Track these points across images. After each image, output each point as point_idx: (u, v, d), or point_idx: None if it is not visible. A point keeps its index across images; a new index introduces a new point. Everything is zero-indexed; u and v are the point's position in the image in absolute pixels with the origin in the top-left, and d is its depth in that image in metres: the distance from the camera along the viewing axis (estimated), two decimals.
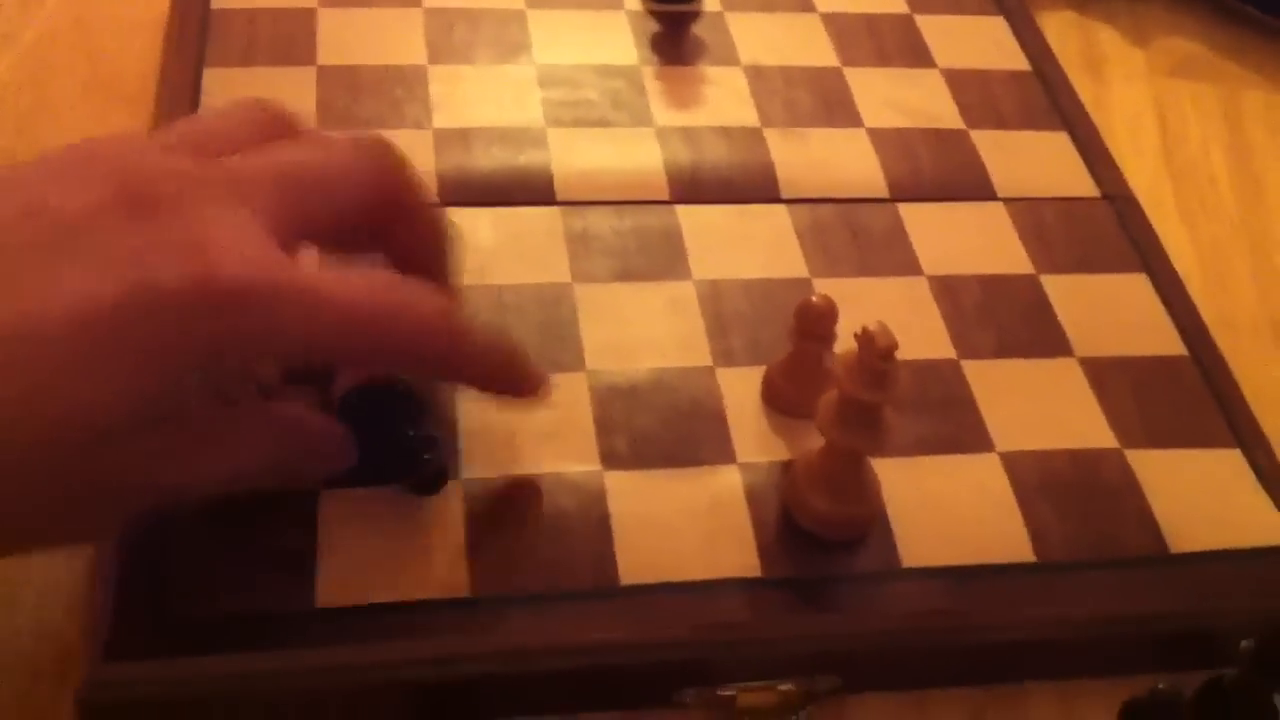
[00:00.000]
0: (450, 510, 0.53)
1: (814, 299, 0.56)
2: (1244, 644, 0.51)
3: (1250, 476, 0.59)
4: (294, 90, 0.69)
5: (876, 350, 0.48)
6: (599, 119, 0.70)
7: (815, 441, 0.54)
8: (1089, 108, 0.79)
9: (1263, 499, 0.58)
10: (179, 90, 0.68)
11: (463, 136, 0.68)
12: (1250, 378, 0.67)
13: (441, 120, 0.69)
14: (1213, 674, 0.54)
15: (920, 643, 0.53)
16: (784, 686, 0.52)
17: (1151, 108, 0.83)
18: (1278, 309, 0.72)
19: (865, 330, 0.49)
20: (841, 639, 0.52)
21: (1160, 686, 0.46)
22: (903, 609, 0.53)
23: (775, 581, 0.53)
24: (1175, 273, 0.68)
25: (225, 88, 0.69)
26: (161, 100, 0.68)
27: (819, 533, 0.54)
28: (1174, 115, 0.83)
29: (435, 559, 0.52)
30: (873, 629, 0.52)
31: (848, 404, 0.50)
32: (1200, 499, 0.57)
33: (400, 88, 0.70)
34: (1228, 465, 0.59)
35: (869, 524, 0.54)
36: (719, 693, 0.51)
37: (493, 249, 0.63)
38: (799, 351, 0.57)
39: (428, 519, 0.53)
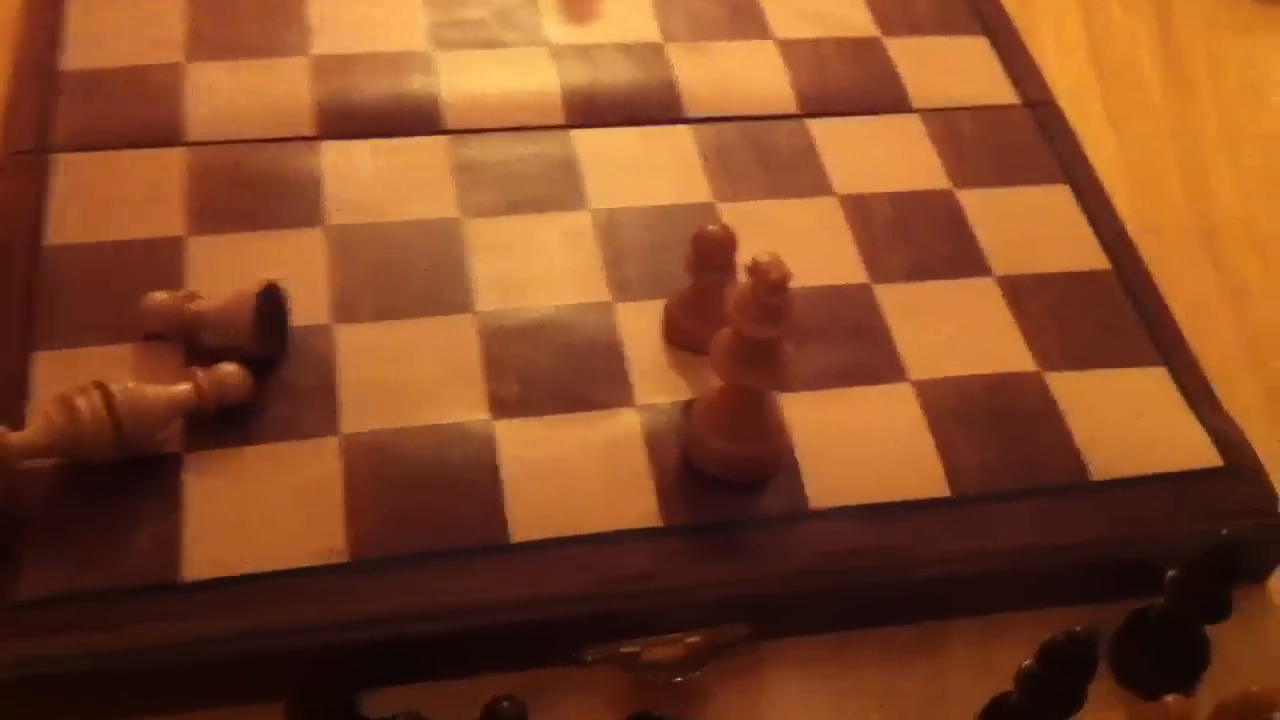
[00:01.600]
0: (327, 469, 0.50)
1: (710, 228, 0.53)
2: (1169, 574, 0.49)
3: (1175, 395, 0.56)
4: (162, 19, 0.64)
5: (768, 284, 0.45)
6: (489, 39, 0.66)
7: (716, 379, 0.51)
8: (1014, 8, 0.75)
9: (1188, 417, 0.55)
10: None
11: (343, 63, 0.64)
12: (1178, 286, 0.64)
13: (321, 47, 0.65)
14: (1139, 604, 0.52)
15: (831, 585, 0.50)
16: (691, 638, 0.49)
17: (1078, 5, 0.79)
18: (1206, 211, 0.69)
19: (756, 262, 0.45)
20: (748, 586, 0.50)
21: (1077, 628, 0.44)
22: (812, 551, 0.50)
23: (677, 529, 0.50)
24: (1099, 182, 0.65)
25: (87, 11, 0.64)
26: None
27: (721, 475, 0.51)
28: (1101, 12, 0.79)
29: (311, 522, 0.48)
30: (781, 574, 0.50)
31: (741, 341, 0.47)
32: (1123, 421, 0.55)
33: (278, 14, 0.66)
34: (1152, 384, 0.56)
35: (773, 464, 0.51)
36: (622, 649, 0.49)
37: (375, 184, 0.59)
38: (698, 284, 0.54)
39: (302, 479, 0.50)
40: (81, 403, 0.48)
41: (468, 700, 0.47)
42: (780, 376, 0.48)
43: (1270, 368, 0.62)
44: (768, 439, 0.51)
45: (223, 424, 0.51)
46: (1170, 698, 0.44)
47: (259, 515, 0.48)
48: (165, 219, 0.57)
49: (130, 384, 0.49)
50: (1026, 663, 0.46)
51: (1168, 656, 0.51)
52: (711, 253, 0.52)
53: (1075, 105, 0.72)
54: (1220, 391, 0.58)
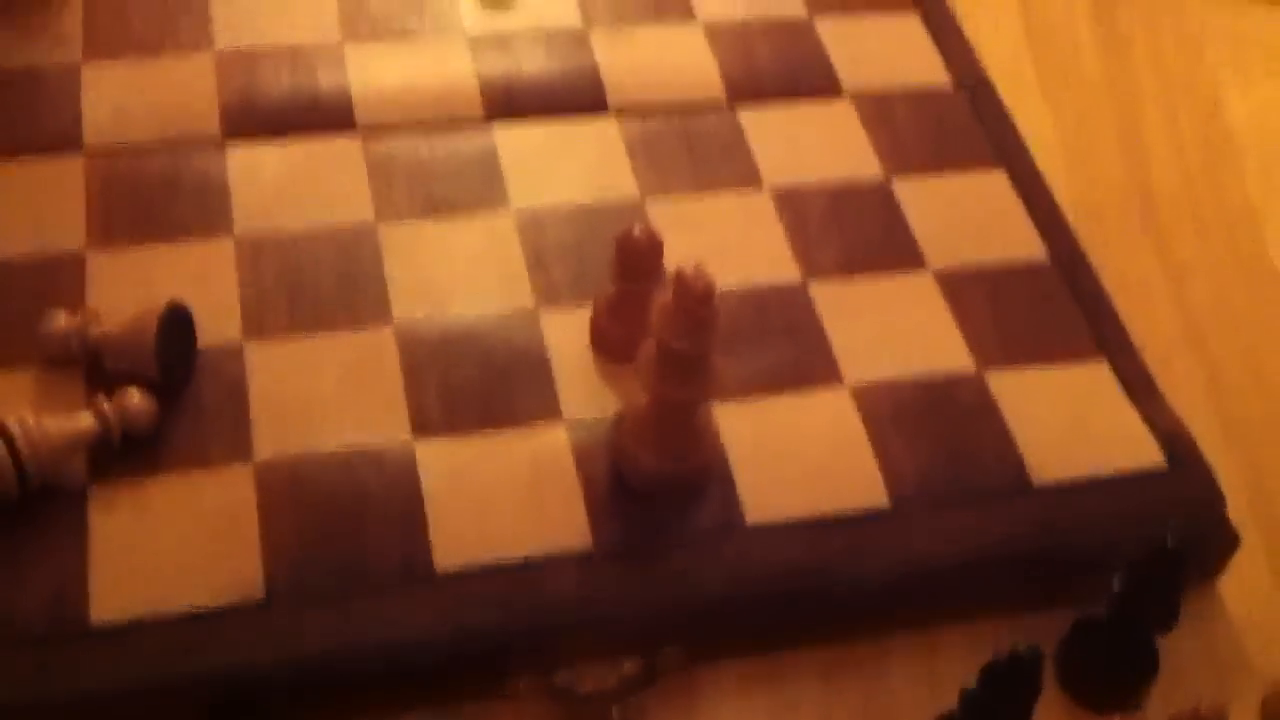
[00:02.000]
0: (241, 498, 0.48)
1: (635, 232, 0.50)
2: (1113, 582, 0.48)
3: (1117, 391, 0.55)
4: (56, 14, 0.61)
5: (693, 295, 0.43)
6: (401, 29, 0.63)
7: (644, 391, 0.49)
8: None
9: (1130, 414, 0.54)
10: None
11: (248, 58, 0.61)
12: (1117, 267, 0.63)
13: (223, 41, 0.62)
14: (1086, 608, 0.50)
15: (766, 602, 0.48)
16: (625, 666, 0.47)
17: None
18: (1146, 184, 0.68)
19: (680, 273, 0.43)
20: (681, 606, 0.48)
21: (1020, 647, 0.43)
22: (748, 567, 0.49)
23: (607, 551, 0.48)
24: (1034, 166, 0.63)
25: None
26: None
27: (652, 492, 0.49)
28: None
29: (222, 558, 0.46)
30: (714, 592, 0.48)
31: (666, 355, 0.45)
32: (1064, 420, 0.53)
33: (175, 4, 0.63)
34: (1093, 380, 0.55)
35: (705, 477, 0.50)
36: (555, 681, 0.47)
37: (285, 187, 0.57)
38: (623, 291, 0.52)
39: (213, 511, 0.47)
40: None
41: None
42: (708, 389, 0.47)
43: (1211, 351, 0.61)
44: (699, 452, 0.49)
45: (129, 453, 0.48)
46: None
47: (169, 551, 0.46)
48: (63, 231, 0.54)
49: (30, 418, 0.47)
50: (969, 687, 0.44)
51: (1115, 665, 0.49)
52: (635, 260, 0.50)
53: (1010, 80, 0.70)
54: (1162, 377, 0.56)
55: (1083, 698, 0.49)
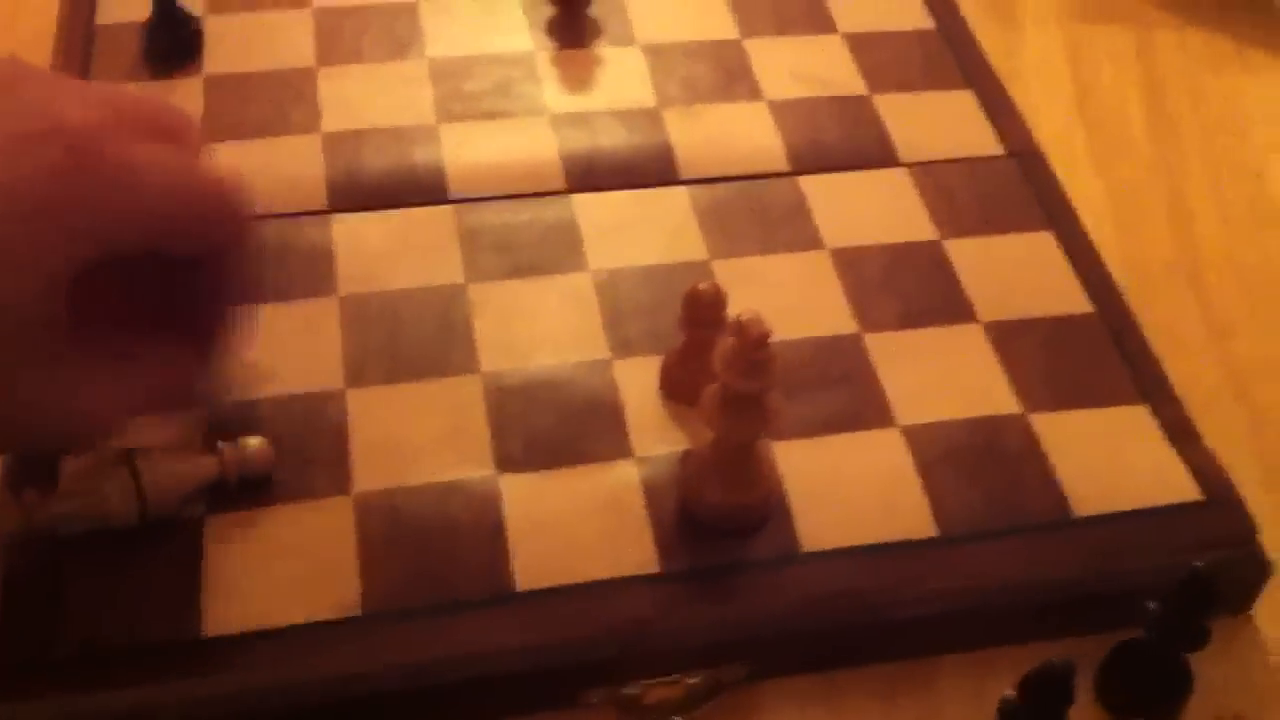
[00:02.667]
0: (341, 527, 0.53)
1: (701, 286, 0.55)
2: (1150, 606, 0.51)
3: (1157, 432, 0.58)
4: (180, 102, 0.68)
5: (750, 340, 0.48)
6: (491, 110, 0.69)
7: (709, 432, 0.53)
8: (1000, 56, 0.78)
9: (1168, 454, 0.57)
10: None
11: (353, 138, 0.67)
12: (1164, 326, 0.66)
13: (331, 123, 0.68)
14: (1125, 635, 0.53)
15: (824, 624, 0.52)
16: (690, 680, 0.51)
17: (1063, 53, 0.82)
18: (1192, 248, 0.71)
19: (738, 320, 0.48)
20: (743, 627, 0.52)
21: (1054, 660, 0.46)
22: (805, 592, 0.52)
23: (675, 575, 0.52)
24: (1082, 227, 0.67)
25: None
26: None
27: (715, 524, 0.53)
28: (1087, 59, 0.82)
29: (326, 578, 0.51)
30: (774, 614, 0.52)
31: (728, 395, 0.49)
32: (1105, 459, 0.57)
33: (288, 91, 0.69)
34: (1133, 422, 0.58)
35: (765, 512, 0.54)
36: (624, 691, 0.51)
37: (384, 253, 0.62)
38: (691, 340, 0.56)
39: (318, 536, 0.52)
40: (109, 486, 0.50)
41: None
42: (766, 426, 0.51)
43: (1254, 400, 0.64)
44: (759, 486, 0.53)
45: (242, 491, 0.53)
46: None
47: (278, 574, 0.51)
48: None
49: (156, 455, 0.52)
50: (1007, 693, 0.48)
51: (1150, 685, 0.52)
52: (702, 309, 0.55)
53: (1061, 152, 0.74)
54: (1206, 426, 0.59)
55: (1121, 715, 0.52)
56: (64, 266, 0.41)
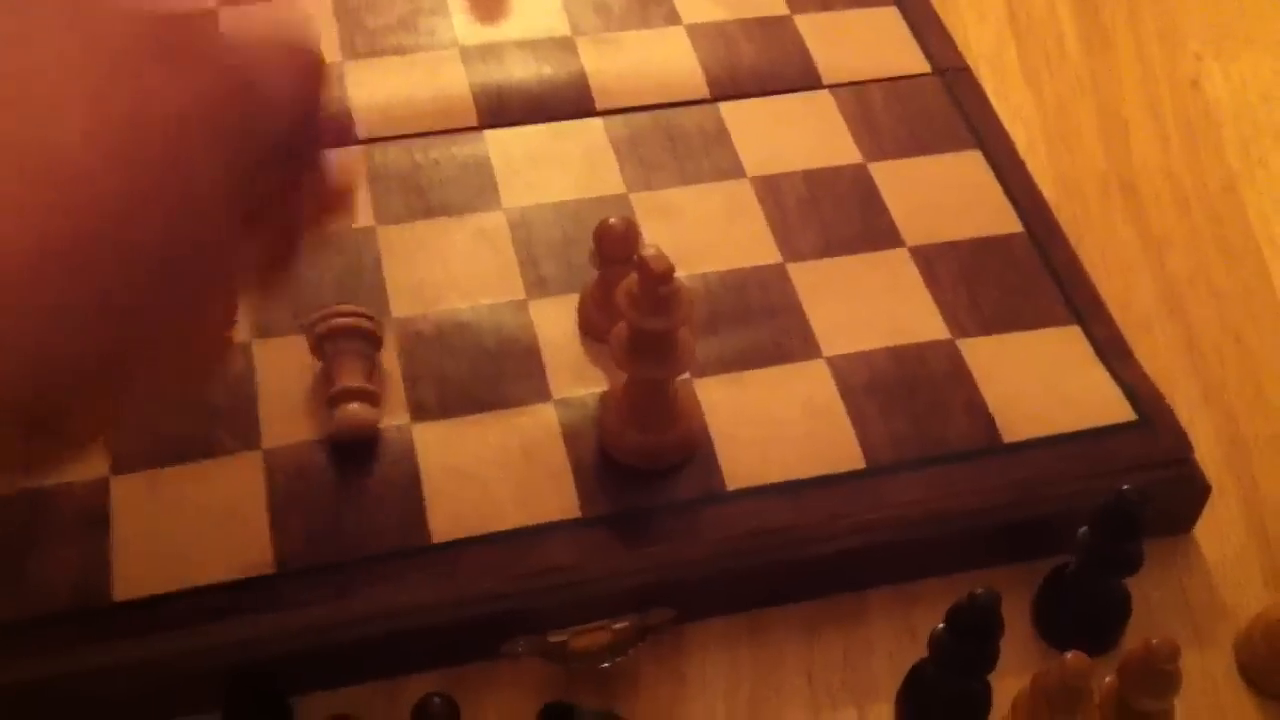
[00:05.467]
0: (251, 482, 0.51)
1: (611, 221, 0.53)
2: (1080, 532, 0.50)
3: (1088, 352, 0.57)
4: None
5: (654, 275, 0.46)
6: (398, 45, 0.67)
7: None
8: None
9: (1101, 373, 0.56)
10: None
11: None
12: (1098, 243, 0.65)
13: None
14: (1061, 561, 0.52)
15: (749, 563, 0.51)
16: (617, 625, 0.50)
17: None
18: (1125, 164, 0.70)
19: (640, 256, 0.46)
20: (669, 569, 0.51)
21: (977, 590, 0.45)
22: (729, 531, 0.51)
23: (597, 520, 0.51)
24: (1011, 145, 0.65)
25: None
26: None
27: (636, 464, 0.52)
28: None
29: (236, 537, 0.50)
30: (700, 555, 0.51)
31: (635, 334, 0.48)
32: (1036, 383, 0.56)
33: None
34: (1065, 344, 0.57)
35: (686, 449, 0.52)
36: (550, 639, 0.50)
37: None
38: (604, 277, 0.55)
39: (227, 494, 0.51)
40: None
41: (398, 700, 0.49)
42: (678, 364, 0.49)
43: (1190, 316, 0.63)
44: (677, 425, 0.52)
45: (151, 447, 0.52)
46: (1069, 654, 0.45)
47: (184, 535, 0.50)
48: None
49: None
50: (937, 626, 0.47)
51: (1088, 612, 0.52)
52: (614, 245, 0.53)
53: (992, 69, 0.73)
54: (1142, 345, 0.58)
55: (1059, 644, 0.51)
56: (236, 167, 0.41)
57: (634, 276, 0.47)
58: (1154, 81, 0.74)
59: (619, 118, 0.65)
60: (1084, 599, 0.51)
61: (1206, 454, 0.57)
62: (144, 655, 0.47)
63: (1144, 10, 0.78)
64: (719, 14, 0.70)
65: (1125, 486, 0.48)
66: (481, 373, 0.55)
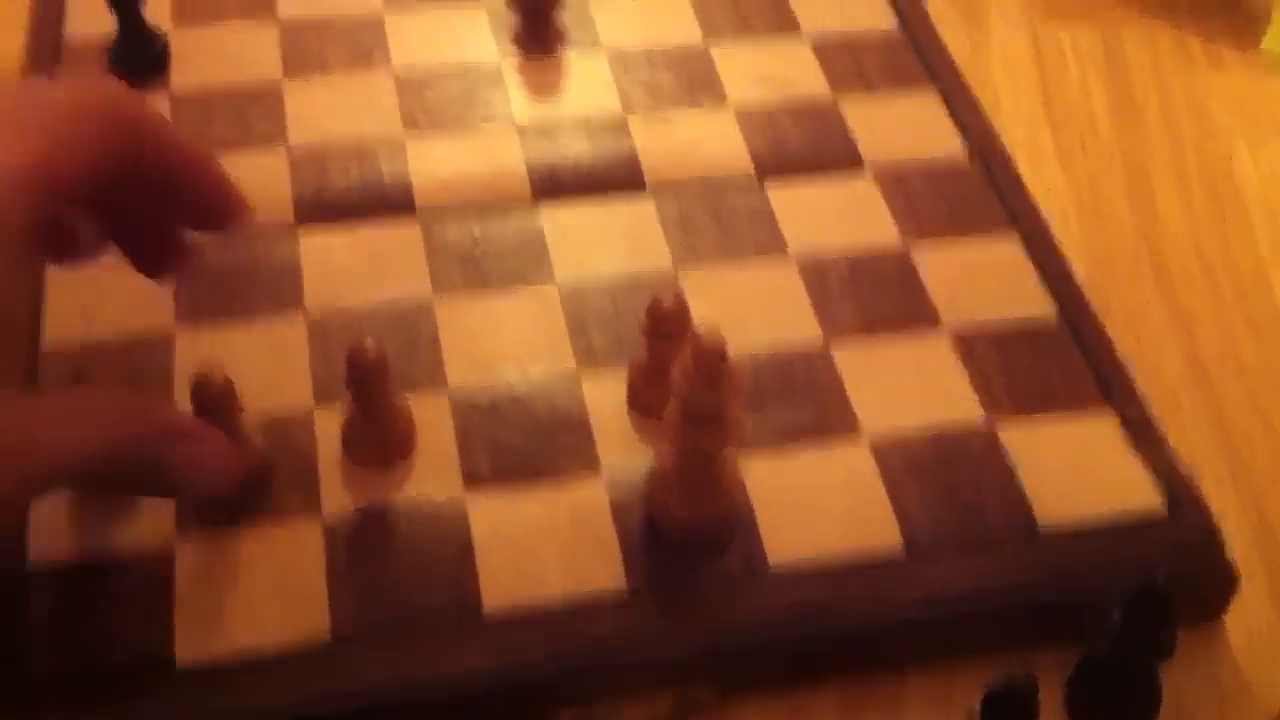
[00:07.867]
0: (308, 548, 0.53)
1: (663, 298, 0.55)
2: (1110, 616, 0.51)
3: (1121, 439, 0.58)
4: None
5: (706, 354, 0.48)
6: (457, 120, 0.69)
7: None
8: (968, 55, 0.78)
9: (1133, 459, 0.58)
10: None
11: (319, 151, 0.67)
12: (1128, 320, 0.67)
13: (296, 136, 0.68)
14: (1089, 649, 0.54)
15: (788, 640, 0.53)
16: (662, 698, 0.52)
17: (1030, 50, 0.82)
18: (1156, 241, 0.72)
19: (695, 334, 0.48)
20: (710, 643, 0.52)
21: (1015, 674, 0.46)
22: (772, 606, 0.53)
23: (641, 591, 0.53)
24: (1046, 227, 0.67)
25: None
26: None
27: (680, 538, 0.54)
28: (1053, 56, 0.82)
29: (293, 603, 0.51)
30: (740, 630, 0.52)
31: (688, 409, 0.50)
32: (1069, 466, 0.57)
33: (254, 106, 0.69)
34: (1098, 427, 0.59)
35: (729, 525, 0.54)
36: (594, 713, 0.51)
37: (350, 267, 0.62)
38: (654, 352, 0.56)
39: (286, 560, 0.53)
40: None
41: None
42: (727, 440, 0.51)
43: (1218, 392, 0.65)
44: (723, 500, 0.54)
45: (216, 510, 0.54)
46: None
47: (247, 597, 0.51)
48: (155, 313, 0.60)
49: None
50: (973, 707, 0.48)
51: (1118, 699, 0.53)
52: (664, 321, 0.55)
53: (1027, 150, 0.75)
54: (1169, 421, 0.60)
55: None
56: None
57: (688, 351, 0.49)
58: (1183, 160, 0.76)
59: (668, 194, 0.67)
60: (1117, 685, 0.53)
61: (1234, 531, 0.58)
62: (202, 716, 0.49)
63: (1176, 94, 0.80)
64: (764, 93, 0.72)
65: (1155, 573, 0.49)
66: (533, 444, 0.56)
